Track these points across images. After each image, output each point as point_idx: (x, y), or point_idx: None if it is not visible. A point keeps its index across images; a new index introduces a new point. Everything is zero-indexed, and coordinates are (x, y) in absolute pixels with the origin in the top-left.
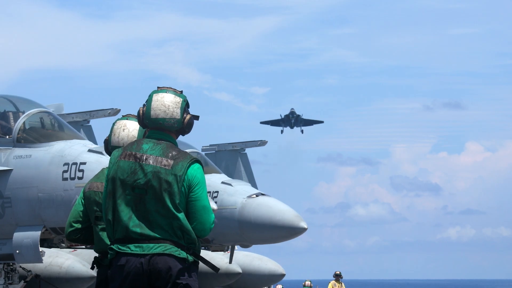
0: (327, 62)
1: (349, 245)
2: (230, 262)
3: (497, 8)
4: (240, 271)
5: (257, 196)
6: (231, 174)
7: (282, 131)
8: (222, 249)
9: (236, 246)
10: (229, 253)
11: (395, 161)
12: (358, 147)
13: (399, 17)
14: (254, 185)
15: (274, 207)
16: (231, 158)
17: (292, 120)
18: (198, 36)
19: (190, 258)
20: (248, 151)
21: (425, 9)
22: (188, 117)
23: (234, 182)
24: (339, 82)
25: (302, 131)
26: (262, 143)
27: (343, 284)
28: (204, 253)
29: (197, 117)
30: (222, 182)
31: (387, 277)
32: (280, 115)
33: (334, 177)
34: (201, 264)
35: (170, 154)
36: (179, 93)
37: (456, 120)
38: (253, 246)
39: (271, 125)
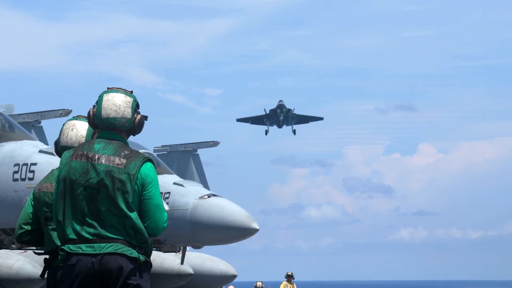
0: (281, 64)
1: (302, 246)
2: (182, 263)
3: (450, 11)
4: (192, 272)
5: (209, 197)
6: (183, 175)
7: (266, 132)
8: (173, 250)
9: (188, 247)
10: (181, 254)
11: (348, 163)
12: (311, 148)
13: (353, 19)
14: (206, 186)
15: (226, 208)
16: (183, 159)
17: (280, 116)
18: (152, 37)
19: (142, 257)
20: (202, 152)
21: (379, 12)
22: (138, 117)
23: (186, 183)
24: (293, 84)
25: (294, 132)
26: (214, 144)
27: (294, 285)
28: (156, 254)
29: (146, 117)
30: (174, 183)
31: (340, 278)
32: (265, 110)
33: (287, 178)
34: (154, 265)
35: (123, 153)
36: (129, 93)
37: (409, 121)
38: (206, 247)
39: (251, 123)
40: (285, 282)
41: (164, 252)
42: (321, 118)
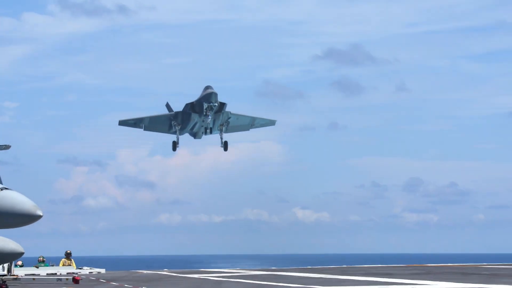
0: (67, 83)
1: (82, 229)
2: None
3: (200, 41)
4: None
5: (1, 190)
6: None
7: (175, 146)
8: None
9: None
10: None
11: (120, 163)
12: (90, 151)
13: (122, 48)
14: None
15: (16, 199)
16: None
17: (208, 115)
18: None
19: None
20: None
21: (144, 42)
22: None
23: None
24: (77, 99)
25: (225, 146)
26: (6, 147)
27: (72, 260)
28: None
29: None
30: None
31: (111, 254)
32: (168, 107)
33: (71, 175)
34: None
35: None
36: None
37: None
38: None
39: (144, 129)
40: (64, 259)
41: None
42: (273, 122)
